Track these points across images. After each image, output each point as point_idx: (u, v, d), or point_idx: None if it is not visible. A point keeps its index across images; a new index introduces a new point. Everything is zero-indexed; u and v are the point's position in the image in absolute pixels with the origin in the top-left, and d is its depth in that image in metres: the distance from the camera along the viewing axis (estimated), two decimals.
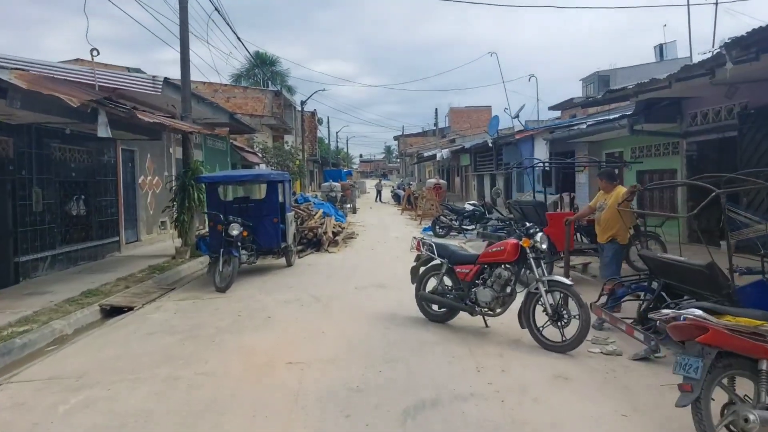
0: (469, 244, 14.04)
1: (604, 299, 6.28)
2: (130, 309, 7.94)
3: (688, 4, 14.00)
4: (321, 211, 16.23)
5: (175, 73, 12.65)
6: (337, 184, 28.04)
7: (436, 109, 49.71)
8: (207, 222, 11.17)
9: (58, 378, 5.23)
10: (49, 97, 6.36)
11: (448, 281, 6.80)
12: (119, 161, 12.96)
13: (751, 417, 3.19)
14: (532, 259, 5.91)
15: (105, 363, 5.63)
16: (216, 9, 14.16)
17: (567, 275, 7.39)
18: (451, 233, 16.95)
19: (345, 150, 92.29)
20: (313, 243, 14.04)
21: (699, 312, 3.35)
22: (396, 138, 78.68)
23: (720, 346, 3.25)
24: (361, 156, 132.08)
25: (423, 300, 6.93)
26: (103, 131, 7.45)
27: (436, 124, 51.30)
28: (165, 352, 5.94)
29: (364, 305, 7.89)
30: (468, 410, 4.28)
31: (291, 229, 11.74)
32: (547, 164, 12.33)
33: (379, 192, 43.14)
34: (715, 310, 3.49)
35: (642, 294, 6.11)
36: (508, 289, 6.12)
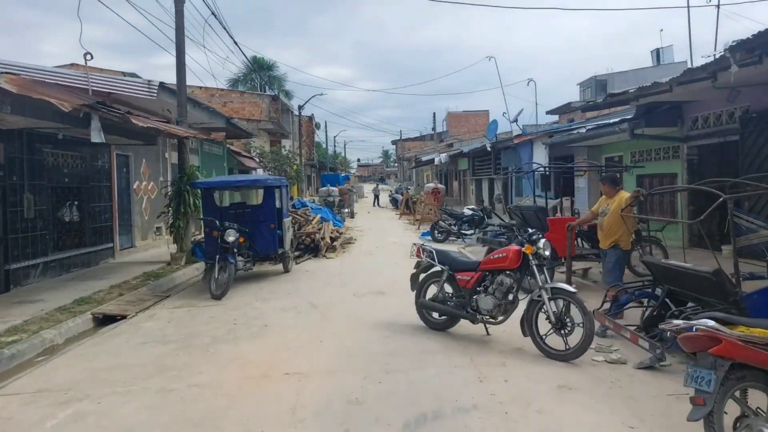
0: (469, 249, 13.94)
1: (607, 306, 6.16)
2: (123, 317, 7.79)
3: (688, 6, 13.94)
4: (318, 216, 16.10)
5: (172, 78, 12.53)
6: (335, 189, 27.96)
7: (434, 114, 49.83)
8: (203, 228, 11.03)
9: (46, 390, 5.07)
10: (40, 101, 6.23)
11: (448, 288, 6.67)
12: (113, 166, 12.82)
13: (766, 431, 3.08)
14: (534, 266, 5.79)
15: (96, 375, 5.47)
16: (213, 13, 14.11)
17: (569, 281, 7.29)
18: (450, 238, 16.86)
19: (342, 154, 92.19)
20: (311, 249, 13.92)
21: (711, 323, 3.23)
22: (394, 142, 78.74)
23: (733, 357, 3.13)
24: (358, 160, 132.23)
25: (423, 308, 6.80)
26: (97, 136, 7.32)
27: (434, 129, 51.34)
28: (158, 362, 5.79)
29: (362, 313, 7.75)
30: (471, 423, 4.15)
31: (288, 235, 11.61)
32: (546, 168, 12.21)
33: (376, 197, 43.05)
34: (728, 320, 3.36)
35: (645, 301, 6.00)
36: (510, 297, 6.00)
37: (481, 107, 70.66)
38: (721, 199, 4.71)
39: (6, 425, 4.38)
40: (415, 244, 7.37)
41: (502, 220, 15.35)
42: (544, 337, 5.67)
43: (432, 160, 39.39)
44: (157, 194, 14.82)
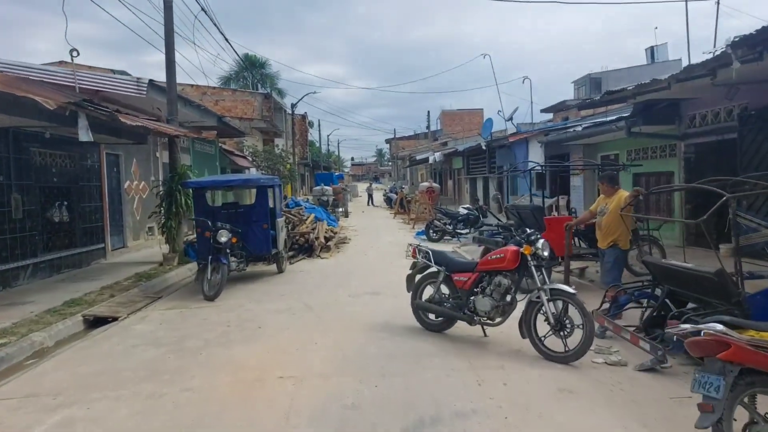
0: (464, 249, 13.85)
1: (606, 307, 6.07)
2: (115, 319, 7.65)
3: (686, 0, 13.85)
4: (312, 215, 15.98)
5: (163, 76, 12.35)
6: (329, 188, 27.80)
7: (429, 112, 49.90)
8: (195, 228, 10.88)
9: (35, 396, 4.94)
10: (23, 99, 6.06)
11: (445, 289, 6.57)
12: (103, 166, 12.63)
13: None
14: (533, 267, 5.69)
15: (85, 379, 5.33)
16: (203, 9, 13.90)
17: (567, 282, 7.20)
18: (445, 237, 16.78)
19: (336, 153, 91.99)
20: (305, 249, 13.80)
21: (720, 327, 3.13)
22: (388, 141, 78.57)
23: (743, 363, 3.03)
24: (352, 159, 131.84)
25: (419, 309, 6.69)
26: (84, 135, 7.16)
27: (428, 127, 51.24)
28: (149, 366, 5.65)
29: (358, 314, 7.63)
30: (470, 429, 4.05)
31: (282, 235, 11.48)
32: (543, 167, 12.12)
33: (370, 196, 42.92)
34: (737, 324, 3.27)
35: (645, 301, 5.91)
36: (508, 298, 5.90)
37: (476, 105, 70.48)
38: (724, 198, 4.61)
39: None
40: (410, 244, 7.27)
41: (498, 219, 15.28)
42: (543, 338, 5.58)
43: (426, 159, 39.25)
44: (148, 194, 14.63)
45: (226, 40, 18.72)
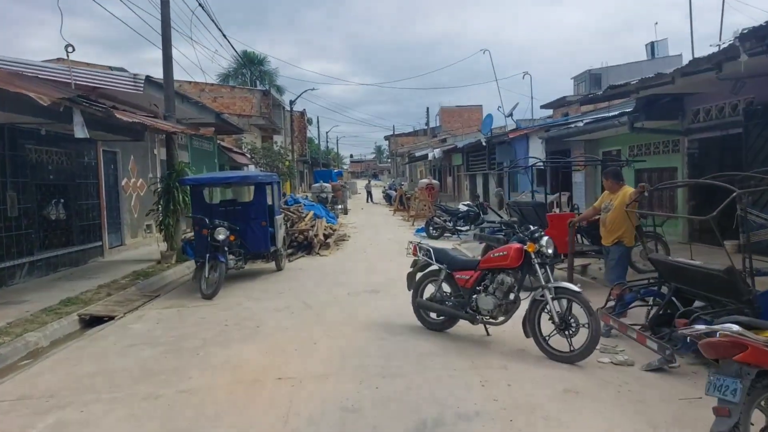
0: (464, 246, 13.74)
1: (611, 305, 5.95)
2: (111, 318, 7.53)
3: None
4: (311, 212, 15.85)
5: (161, 73, 12.19)
6: (328, 185, 27.63)
7: (428, 109, 49.60)
8: (192, 226, 10.77)
9: (28, 398, 4.82)
10: (17, 95, 5.93)
11: (446, 288, 6.44)
12: (100, 163, 12.50)
13: None
14: (536, 264, 5.57)
15: (80, 380, 5.21)
16: (200, 4, 13.73)
17: (570, 279, 7.08)
18: (445, 234, 16.67)
19: (335, 150, 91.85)
20: (304, 246, 13.67)
21: (736, 327, 3.01)
22: (387, 138, 78.39)
23: (761, 365, 2.91)
24: (351, 156, 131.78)
25: (420, 308, 6.57)
26: (80, 131, 7.03)
27: (427, 124, 51.10)
28: (145, 367, 5.54)
29: (358, 313, 7.52)
30: (474, 431, 3.92)
31: (280, 233, 11.36)
32: (545, 163, 11.98)
33: (369, 193, 42.74)
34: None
35: (651, 299, 5.79)
36: (512, 296, 5.77)
37: (475, 102, 70.26)
38: (735, 194, 4.49)
39: None
40: (411, 242, 7.13)
41: (498, 215, 15.16)
42: (547, 338, 5.46)
43: (426, 156, 39.11)
44: (146, 191, 14.51)
45: (224, 36, 18.61)
